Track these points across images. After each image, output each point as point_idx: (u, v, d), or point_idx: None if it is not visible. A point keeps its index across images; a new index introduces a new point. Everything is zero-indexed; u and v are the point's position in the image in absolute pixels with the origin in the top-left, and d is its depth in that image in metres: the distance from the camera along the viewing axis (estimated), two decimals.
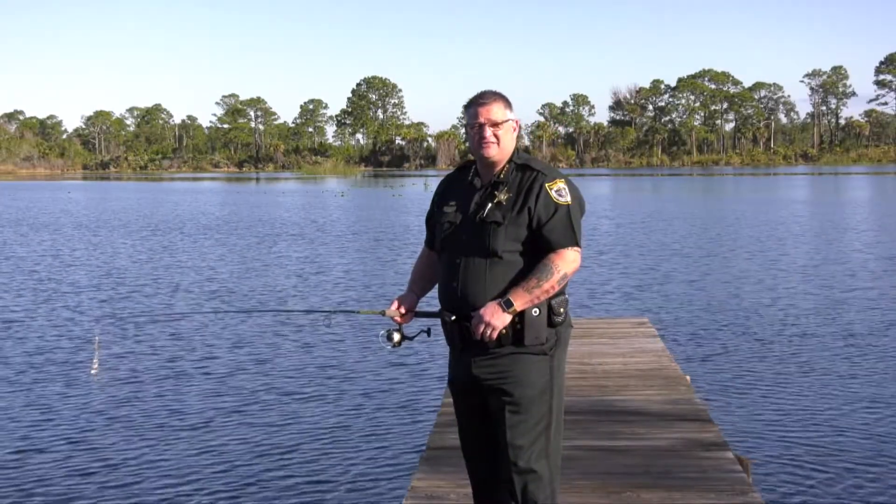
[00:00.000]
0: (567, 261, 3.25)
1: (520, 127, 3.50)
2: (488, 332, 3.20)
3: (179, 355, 10.22)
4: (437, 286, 3.53)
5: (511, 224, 3.25)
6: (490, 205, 3.30)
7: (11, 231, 28.77)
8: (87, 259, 20.50)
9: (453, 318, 3.32)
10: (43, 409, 8.11)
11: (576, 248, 3.29)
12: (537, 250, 3.27)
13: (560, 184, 3.30)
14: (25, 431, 7.46)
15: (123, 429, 7.51)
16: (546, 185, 3.27)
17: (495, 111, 3.35)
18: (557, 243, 3.25)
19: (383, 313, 3.50)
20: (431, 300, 3.56)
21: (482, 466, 3.48)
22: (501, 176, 3.35)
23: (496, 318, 3.18)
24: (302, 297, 14.44)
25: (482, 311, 3.20)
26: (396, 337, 3.50)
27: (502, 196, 3.29)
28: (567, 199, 3.28)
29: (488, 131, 3.33)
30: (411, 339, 3.55)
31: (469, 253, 3.29)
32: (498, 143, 3.34)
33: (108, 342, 10.95)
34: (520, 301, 3.19)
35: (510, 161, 3.37)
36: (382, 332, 3.53)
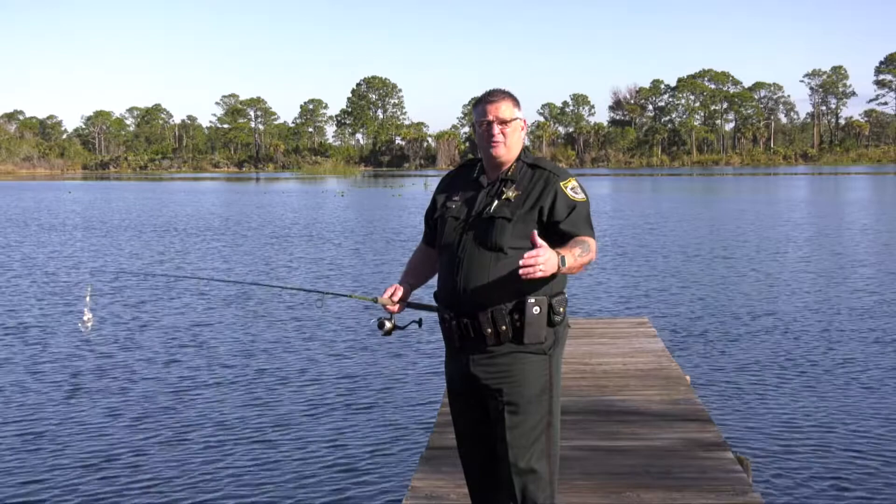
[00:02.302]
0: (594, 247, 3.28)
1: (527, 126, 3.52)
2: (538, 268, 3.00)
3: (177, 355, 10.21)
4: (434, 282, 3.52)
5: (520, 221, 3.26)
6: (498, 201, 3.30)
7: (20, 232, 28.73)
8: (100, 261, 20.51)
9: (452, 314, 3.31)
10: (77, 421, 8.04)
11: (595, 240, 3.33)
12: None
13: (573, 182, 3.34)
14: (57, 443, 7.45)
15: (123, 419, 7.51)
16: (560, 184, 3.30)
17: (504, 109, 3.36)
18: (580, 233, 3.27)
19: (375, 300, 3.50)
20: (423, 295, 3.56)
21: (479, 466, 3.48)
22: (510, 173, 3.36)
23: (550, 264, 3.03)
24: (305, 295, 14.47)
25: (544, 249, 3.03)
26: (388, 325, 3.50)
27: (511, 193, 3.31)
28: (582, 196, 3.33)
29: (496, 129, 3.34)
30: (403, 328, 3.55)
31: (473, 249, 3.29)
32: (505, 142, 3.35)
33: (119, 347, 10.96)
34: (570, 262, 3.12)
35: (518, 160, 3.39)
36: (374, 319, 3.54)
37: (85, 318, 4.35)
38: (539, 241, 3.07)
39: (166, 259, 20.42)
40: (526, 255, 3.01)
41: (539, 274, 3.01)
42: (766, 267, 17.65)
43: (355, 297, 3.80)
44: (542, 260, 3.01)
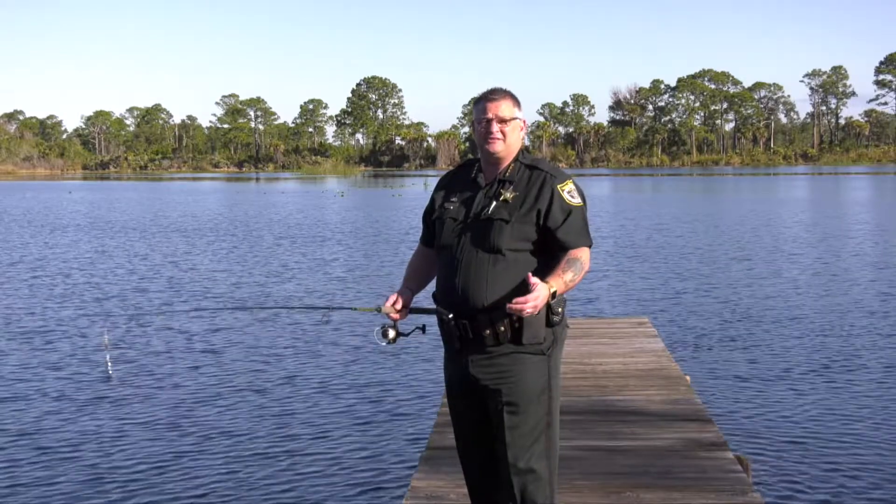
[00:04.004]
0: (585, 258, 3.30)
1: (526, 127, 3.51)
2: (531, 310, 3.09)
3: (177, 355, 10.22)
4: (434, 283, 3.52)
5: (517, 222, 3.25)
6: (496, 202, 3.30)
7: (26, 233, 28.72)
8: (111, 261, 20.52)
9: (451, 315, 3.31)
10: (89, 433, 7.98)
11: (589, 248, 3.34)
12: (545, 250, 3.28)
13: (570, 185, 3.33)
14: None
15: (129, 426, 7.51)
16: (557, 187, 3.29)
17: (504, 108, 3.36)
18: (574, 243, 3.28)
19: (379, 310, 3.49)
20: (424, 298, 3.56)
21: (479, 467, 3.48)
22: (508, 174, 3.35)
23: (541, 302, 3.12)
24: (305, 295, 14.46)
25: (538, 291, 3.10)
26: (392, 333, 3.48)
27: (508, 194, 3.30)
28: (578, 200, 3.32)
29: (495, 127, 3.34)
30: (406, 335, 3.53)
31: (471, 250, 3.29)
32: (504, 140, 3.35)
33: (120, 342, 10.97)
34: (560, 291, 3.20)
35: (516, 160, 3.38)
36: (378, 328, 3.52)
37: (108, 362, 4.44)
38: (534, 280, 3.12)
39: (173, 261, 20.39)
40: (519, 300, 3.09)
41: (528, 313, 3.10)
42: (767, 267, 17.64)
43: (360, 309, 3.80)
44: (530, 306, 3.09)
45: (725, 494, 4.33)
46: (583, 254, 3.29)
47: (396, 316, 3.47)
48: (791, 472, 6.29)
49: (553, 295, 3.17)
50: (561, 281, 3.20)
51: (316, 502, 5.95)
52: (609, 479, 4.59)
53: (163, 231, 28.30)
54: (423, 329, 3.53)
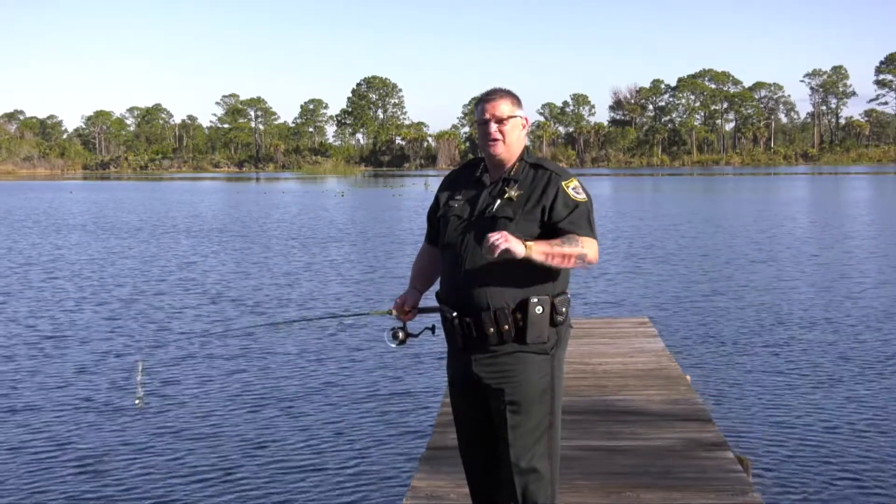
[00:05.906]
0: (589, 245, 3.24)
1: (528, 125, 3.49)
2: (500, 242, 3.06)
3: (184, 356, 10.23)
4: (438, 282, 3.53)
5: (522, 220, 3.26)
6: (500, 201, 3.30)
7: (32, 234, 28.71)
8: (123, 264, 20.51)
9: (454, 314, 3.32)
10: (105, 441, 7.95)
11: (595, 241, 3.30)
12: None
13: (575, 182, 3.34)
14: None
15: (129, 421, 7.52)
16: (562, 184, 3.30)
17: (501, 107, 3.35)
18: (579, 232, 3.25)
19: (390, 312, 3.52)
20: (429, 298, 3.57)
21: (481, 466, 3.48)
22: (512, 173, 3.36)
23: (514, 241, 3.08)
24: (323, 299, 14.46)
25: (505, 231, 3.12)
26: (401, 335, 3.51)
27: (513, 193, 3.30)
28: (583, 196, 3.32)
29: (493, 127, 3.34)
30: (416, 336, 3.55)
31: (475, 248, 3.29)
32: (504, 140, 3.34)
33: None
34: (538, 249, 3.13)
35: (521, 159, 3.38)
36: (388, 330, 3.53)
37: (138, 395, 4.53)
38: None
39: (186, 263, 20.35)
40: (487, 238, 3.09)
41: (502, 247, 3.04)
42: (767, 266, 17.64)
43: (373, 313, 3.86)
44: (499, 238, 3.05)
45: (725, 494, 4.34)
46: (587, 241, 3.24)
47: (405, 317, 3.50)
48: (791, 472, 6.30)
49: (528, 245, 3.11)
50: (546, 245, 3.14)
51: (315, 502, 5.95)
52: (609, 479, 4.60)
53: (171, 232, 28.17)
54: (433, 330, 3.55)
